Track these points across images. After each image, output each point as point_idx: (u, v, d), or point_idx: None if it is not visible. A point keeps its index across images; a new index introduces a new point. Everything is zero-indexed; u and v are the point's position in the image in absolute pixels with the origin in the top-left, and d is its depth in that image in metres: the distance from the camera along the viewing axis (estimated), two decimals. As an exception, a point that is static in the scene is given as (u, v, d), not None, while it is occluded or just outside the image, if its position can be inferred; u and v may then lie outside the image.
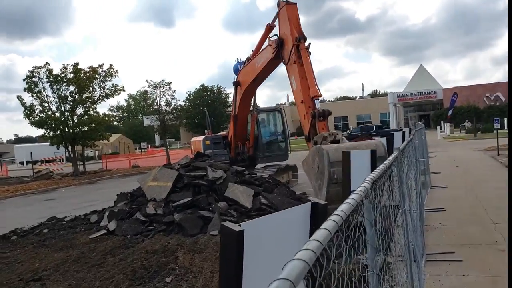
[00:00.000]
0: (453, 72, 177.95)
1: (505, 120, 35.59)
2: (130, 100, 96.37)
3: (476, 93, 55.32)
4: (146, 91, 32.45)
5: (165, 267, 6.91)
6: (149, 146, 63.31)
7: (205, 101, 65.60)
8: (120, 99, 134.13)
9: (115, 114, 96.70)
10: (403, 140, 15.16)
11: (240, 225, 1.59)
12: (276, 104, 16.52)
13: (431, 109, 64.73)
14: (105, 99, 26.65)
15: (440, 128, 45.63)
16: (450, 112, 50.96)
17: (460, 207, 9.57)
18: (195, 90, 69.54)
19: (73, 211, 13.47)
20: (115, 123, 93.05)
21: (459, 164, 17.44)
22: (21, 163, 51.01)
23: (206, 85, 69.33)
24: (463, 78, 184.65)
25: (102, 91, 26.75)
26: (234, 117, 15.12)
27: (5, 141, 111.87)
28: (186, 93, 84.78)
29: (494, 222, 7.88)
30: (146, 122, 51.81)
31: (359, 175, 7.19)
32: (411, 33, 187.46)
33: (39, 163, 34.78)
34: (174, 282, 6.19)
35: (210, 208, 9.81)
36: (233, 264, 1.58)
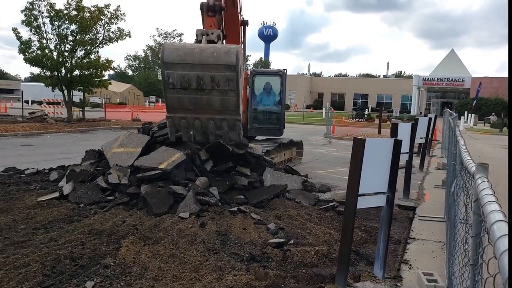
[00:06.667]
0: (484, 63, 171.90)
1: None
2: (148, 51, 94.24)
3: (506, 86, 52.21)
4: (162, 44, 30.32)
5: (98, 259, 5.20)
6: (160, 100, 61.38)
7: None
8: (138, 49, 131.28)
9: (131, 63, 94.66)
10: (428, 129, 13.22)
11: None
12: (283, 69, 13.61)
13: (455, 98, 61.75)
14: (108, 43, 24.49)
15: (464, 119, 43.02)
16: (474, 103, 48.05)
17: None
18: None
19: (42, 163, 11.88)
20: (130, 72, 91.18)
21: (490, 163, 15.32)
22: (26, 101, 49.63)
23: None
24: (494, 71, 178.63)
25: (106, 33, 24.65)
26: None
27: (23, 78, 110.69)
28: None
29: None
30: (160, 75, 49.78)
31: (373, 168, 5.27)
32: (449, 18, 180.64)
33: (44, 104, 33.51)
34: (96, 290, 4.46)
35: (188, 185, 8.04)
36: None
